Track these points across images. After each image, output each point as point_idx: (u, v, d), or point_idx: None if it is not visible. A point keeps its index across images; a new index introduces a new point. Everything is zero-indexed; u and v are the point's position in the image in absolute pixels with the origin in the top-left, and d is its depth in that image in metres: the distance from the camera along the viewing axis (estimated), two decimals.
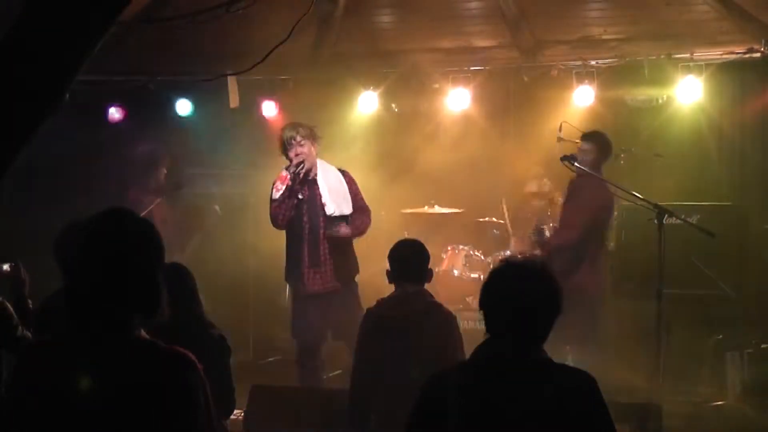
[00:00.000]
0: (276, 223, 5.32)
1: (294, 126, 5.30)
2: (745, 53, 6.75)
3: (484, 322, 2.44)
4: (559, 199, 6.60)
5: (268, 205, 5.42)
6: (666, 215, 5.19)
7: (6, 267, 3.66)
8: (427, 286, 3.99)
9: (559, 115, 6.73)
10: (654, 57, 6.94)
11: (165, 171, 7.29)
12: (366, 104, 7.69)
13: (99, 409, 1.95)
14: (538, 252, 5.75)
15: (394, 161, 7.56)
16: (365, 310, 4.09)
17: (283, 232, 5.48)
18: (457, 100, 7.46)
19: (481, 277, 6.89)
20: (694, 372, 5.95)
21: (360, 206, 5.41)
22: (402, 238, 4.35)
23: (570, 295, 5.59)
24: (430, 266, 4.00)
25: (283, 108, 7.86)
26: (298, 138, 5.23)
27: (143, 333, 2.06)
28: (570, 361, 5.53)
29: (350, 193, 5.36)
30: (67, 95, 2.33)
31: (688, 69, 6.85)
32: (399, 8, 7.53)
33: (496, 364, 2.38)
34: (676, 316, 5.75)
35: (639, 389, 5.35)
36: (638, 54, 7.01)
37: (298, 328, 5.34)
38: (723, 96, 7.03)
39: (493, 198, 7.48)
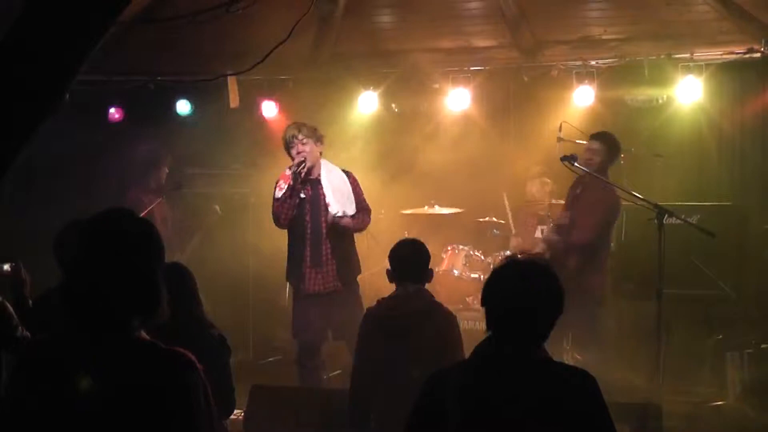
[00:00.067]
0: (278, 221, 5.32)
1: (297, 125, 5.30)
2: (745, 53, 6.75)
3: (485, 320, 2.45)
4: (559, 200, 6.60)
5: (268, 205, 5.42)
6: (666, 215, 5.19)
7: (6, 267, 3.66)
8: (427, 286, 3.99)
9: (559, 115, 6.72)
10: (654, 57, 6.95)
11: (166, 170, 7.28)
12: (366, 104, 7.69)
13: (99, 409, 1.94)
14: (548, 251, 5.73)
15: (394, 161, 7.56)
16: (366, 310, 4.09)
17: (284, 232, 5.48)
18: (457, 100, 7.46)
19: (481, 277, 6.89)
20: (694, 372, 5.95)
21: (363, 207, 5.42)
22: (402, 238, 4.34)
23: (577, 296, 5.62)
24: (430, 266, 4.00)
25: (283, 108, 7.86)
26: (300, 137, 5.23)
27: (143, 334, 2.06)
28: (569, 361, 5.56)
29: (354, 194, 5.36)
30: (67, 95, 2.34)
31: (688, 69, 6.85)
32: (399, 8, 7.53)
33: (497, 363, 2.38)
34: (676, 316, 5.76)
35: (639, 389, 5.35)
36: (638, 54, 7.01)
37: (299, 328, 5.34)
38: (723, 96, 7.04)
39: (493, 198, 7.47)
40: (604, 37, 7.22)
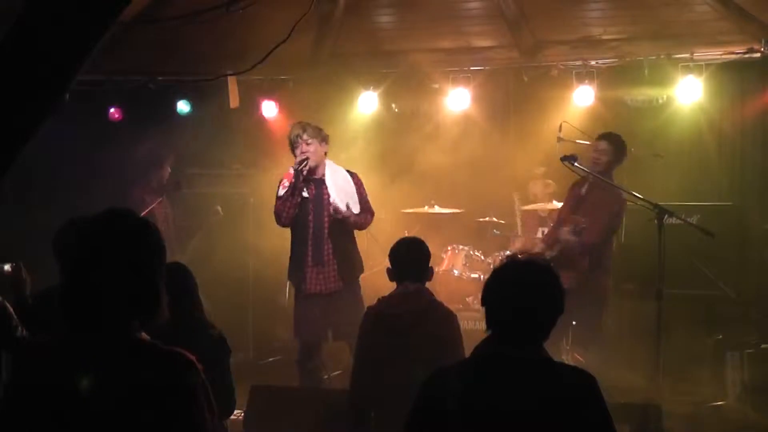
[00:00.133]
0: (279, 220, 5.32)
1: (302, 125, 5.29)
2: (745, 53, 6.76)
3: (485, 320, 2.45)
4: (559, 201, 6.60)
5: (268, 205, 5.42)
6: (666, 215, 5.19)
7: (7, 267, 3.65)
8: (427, 285, 3.99)
9: (559, 115, 6.72)
10: (654, 57, 6.95)
11: (169, 170, 7.29)
12: (366, 104, 7.69)
13: (99, 410, 1.94)
14: (558, 252, 5.73)
15: (394, 161, 7.56)
16: (366, 309, 4.10)
17: (284, 232, 5.48)
18: (457, 100, 7.47)
19: (481, 277, 6.89)
20: (694, 372, 5.94)
21: (366, 208, 5.41)
22: (402, 236, 4.34)
23: (586, 296, 5.63)
24: (430, 265, 4.00)
25: (283, 108, 7.86)
26: (305, 137, 5.22)
27: (144, 334, 2.06)
28: (569, 361, 5.56)
29: (358, 194, 5.36)
30: (67, 95, 2.34)
31: (688, 69, 6.86)
32: (399, 8, 7.53)
33: (497, 362, 2.38)
34: (676, 316, 5.76)
35: (639, 389, 5.35)
36: (638, 54, 7.01)
37: (300, 328, 5.33)
38: (723, 96, 7.04)
39: (493, 198, 7.47)
40: (604, 37, 7.23)
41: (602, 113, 7.19)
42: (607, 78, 7.15)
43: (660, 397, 4.89)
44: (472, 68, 7.50)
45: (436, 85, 7.64)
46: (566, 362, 5.04)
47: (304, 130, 5.24)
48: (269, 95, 7.82)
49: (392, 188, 7.04)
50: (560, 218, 6.12)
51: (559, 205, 6.57)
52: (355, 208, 5.31)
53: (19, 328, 3.43)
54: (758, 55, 6.70)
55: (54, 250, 3.54)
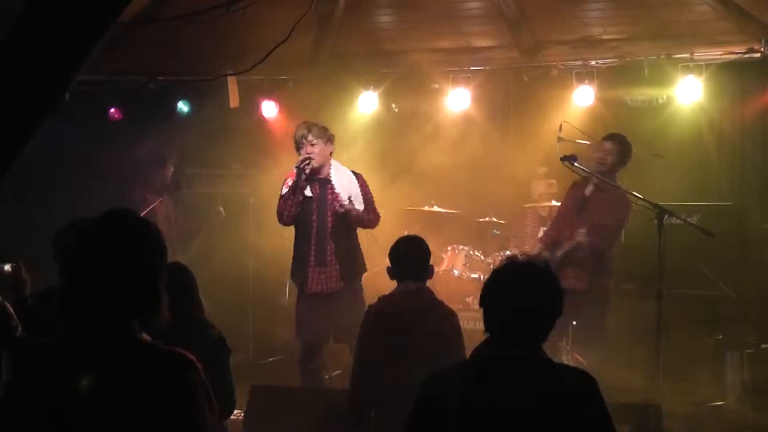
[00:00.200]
0: (281, 218, 5.31)
1: (307, 125, 5.28)
2: (745, 53, 6.76)
3: (483, 321, 2.45)
4: (558, 201, 6.60)
5: (268, 205, 5.42)
6: (666, 215, 5.19)
7: (7, 267, 3.65)
8: (427, 285, 3.99)
9: (559, 115, 6.72)
10: (654, 57, 6.95)
11: (172, 169, 7.28)
12: (366, 104, 7.69)
13: (99, 410, 1.94)
14: (562, 252, 5.74)
15: (394, 161, 7.56)
16: (367, 307, 4.10)
17: (284, 231, 5.47)
18: (457, 100, 7.47)
19: (481, 277, 6.90)
20: (694, 372, 5.94)
21: (371, 209, 5.40)
22: (402, 235, 4.34)
23: (587, 297, 5.63)
24: (430, 264, 4.00)
25: (283, 108, 7.87)
26: (310, 137, 5.21)
27: (144, 335, 2.06)
28: (569, 361, 5.56)
29: (362, 195, 5.35)
30: (67, 95, 2.34)
31: (688, 69, 6.86)
32: (399, 8, 7.53)
33: (496, 363, 2.38)
34: (676, 316, 5.76)
35: (639, 389, 5.35)
36: (638, 54, 7.01)
37: (301, 328, 5.32)
38: (723, 96, 7.04)
39: (493, 198, 7.48)
40: (604, 37, 7.23)
41: (602, 113, 7.19)
42: (607, 78, 7.15)
43: (660, 397, 4.89)
44: (472, 68, 7.51)
45: (436, 85, 7.64)
46: (566, 363, 5.05)
47: (309, 131, 5.23)
48: (269, 95, 7.82)
49: (392, 188, 7.05)
50: (559, 218, 6.12)
51: (556, 205, 6.58)
52: (359, 208, 5.31)
53: (19, 328, 3.43)
54: (758, 55, 6.70)
55: (54, 251, 3.55)
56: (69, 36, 2.23)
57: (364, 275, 5.47)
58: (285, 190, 5.25)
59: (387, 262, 4.00)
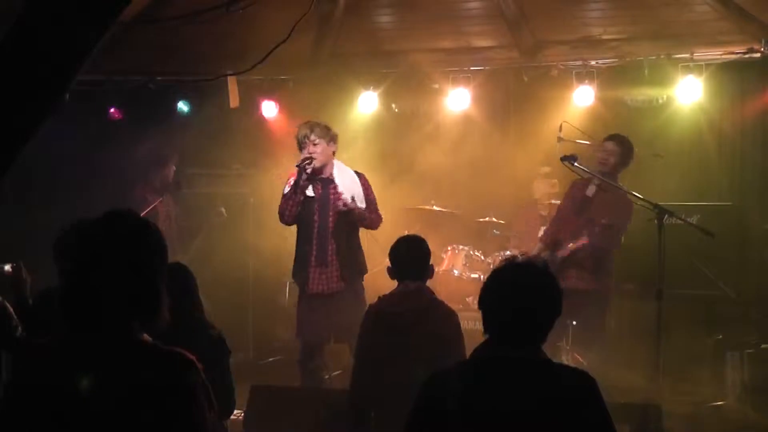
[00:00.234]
0: (282, 218, 5.30)
1: (310, 125, 5.27)
2: (745, 53, 6.75)
3: (482, 323, 2.45)
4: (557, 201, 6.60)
5: (268, 205, 5.42)
6: (666, 215, 5.19)
7: (7, 267, 3.65)
8: (428, 284, 3.99)
9: (559, 115, 6.72)
10: (654, 57, 6.95)
11: (174, 168, 7.27)
12: (366, 104, 7.69)
13: (99, 410, 1.94)
14: (567, 252, 5.74)
15: (394, 161, 7.56)
16: (367, 307, 4.10)
17: (284, 231, 5.47)
18: (457, 100, 7.47)
19: (481, 277, 6.89)
20: (694, 372, 5.95)
21: (373, 209, 5.38)
22: (402, 235, 4.33)
23: (589, 297, 5.63)
24: (430, 263, 4.00)
25: (283, 108, 7.87)
26: (312, 136, 5.21)
27: (145, 336, 2.06)
28: (569, 361, 5.56)
29: (365, 195, 5.34)
30: (67, 95, 2.34)
31: (688, 69, 6.86)
32: (399, 8, 7.53)
33: (496, 363, 2.38)
34: (676, 316, 5.76)
35: (639, 389, 5.35)
36: (638, 54, 7.01)
37: (302, 328, 5.31)
38: (723, 96, 7.04)
39: (493, 198, 7.48)
40: (604, 37, 7.22)
41: (602, 113, 7.19)
42: (607, 78, 7.15)
43: (660, 397, 4.89)
44: (472, 68, 7.50)
45: (436, 85, 7.64)
46: (566, 363, 5.05)
47: (312, 131, 5.22)
48: (269, 95, 7.82)
49: (392, 188, 7.05)
50: (559, 217, 6.11)
51: (555, 204, 6.57)
52: (361, 207, 5.30)
53: (19, 328, 3.43)
54: (758, 55, 6.70)
55: (55, 252, 3.54)
56: (69, 36, 2.23)
57: (365, 275, 5.47)
58: (287, 189, 5.25)
59: (387, 262, 4.00)
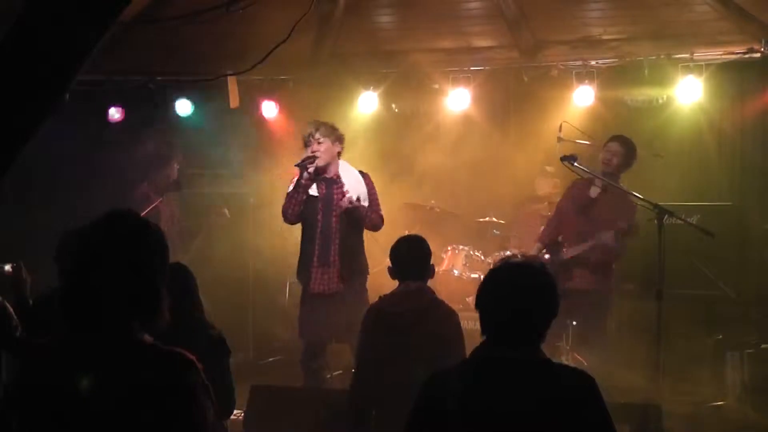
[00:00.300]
0: (285, 217, 5.29)
1: (315, 124, 5.27)
2: (745, 53, 6.76)
3: (480, 324, 2.44)
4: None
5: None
6: (666, 215, 5.19)
7: (7, 267, 3.66)
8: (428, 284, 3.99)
9: (559, 115, 6.72)
10: (654, 57, 6.95)
11: (176, 167, 7.24)
12: (366, 104, 7.69)
13: (99, 410, 1.94)
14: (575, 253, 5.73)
15: (394, 161, 7.56)
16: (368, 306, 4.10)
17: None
18: (457, 100, 7.47)
19: (481, 277, 6.87)
20: (694, 372, 5.94)
21: (376, 210, 5.36)
22: (403, 234, 4.33)
23: (593, 298, 5.62)
24: (431, 263, 4.00)
25: (283, 108, 7.87)
26: (317, 135, 5.20)
27: (145, 336, 2.06)
28: (569, 361, 5.56)
29: (369, 195, 5.33)
30: (67, 95, 2.34)
31: (688, 69, 6.86)
32: (399, 8, 7.53)
33: (496, 364, 2.37)
34: (676, 316, 5.75)
35: (639, 389, 5.35)
36: (638, 54, 7.01)
37: (305, 328, 5.31)
38: (723, 96, 7.03)
39: (493, 198, 7.48)
40: (604, 37, 7.23)
41: (602, 113, 7.19)
42: (607, 78, 7.15)
43: (660, 397, 4.89)
44: (472, 68, 7.51)
45: (436, 85, 7.64)
46: (566, 363, 5.05)
47: (317, 129, 5.22)
48: (269, 95, 7.82)
49: (392, 188, 7.04)
50: (558, 217, 6.09)
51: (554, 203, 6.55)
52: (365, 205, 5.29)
53: (19, 328, 3.43)
54: (758, 55, 6.70)
55: (56, 253, 3.55)
56: (69, 36, 2.23)
57: (367, 276, 5.45)
58: (291, 188, 5.25)
59: (388, 262, 4.00)
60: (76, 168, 7.40)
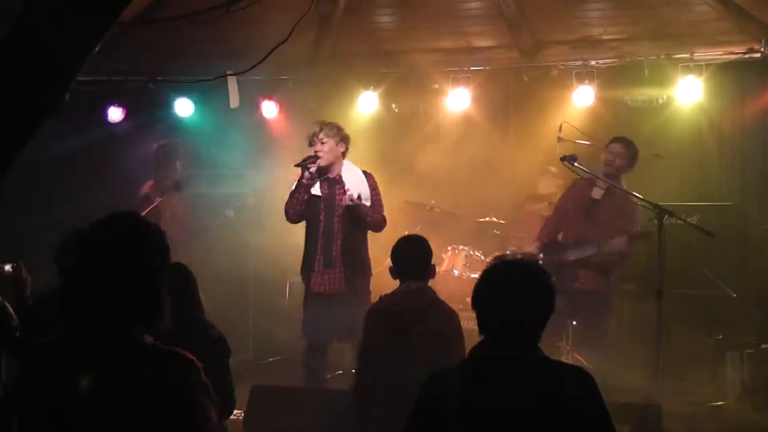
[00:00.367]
0: (287, 216, 5.30)
1: (320, 124, 5.27)
2: (745, 53, 6.75)
3: (477, 323, 2.44)
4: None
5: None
6: (666, 215, 5.19)
7: (7, 267, 3.65)
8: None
9: (559, 115, 6.72)
10: (654, 57, 6.95)
11: (179, 166, 7.21)
12: (366, 104, 7.69)
13: (99, 410, 1.94)
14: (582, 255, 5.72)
15: (394, 161, 7.55)
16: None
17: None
18: (457, 100, 7.46)
19: None
20: (694, 372, 5.94)
21: (377, 209, 5.36)
22: (404, 234, 4.33)
23: (597, 298, 5.60)
24: (432, 263, 4.00)
25: (283, 108, 7.86)
26: (321, 135, 5.21)
27: (146, 337, 2.06)
28: (568, 361, 5.56)
29: (372, 195, 5.32)
30: (67, 95, 2.34)
31: (688, 69, 6.86)
32: (399, 8, 7.53)
33: (495, 363, 2.37)
34: (676, 316, 5.76)
35: (639, 389, 5.35)
36: (638, 54, 7.01)
37: (307, 327, 5.30)
38: (723, 96, 7.03)
39: (493, 198, 7.48)
40: (604, 37, 7.23)
41: (602, 113, 7.19)
42: (607, 78, 7.15)
43: (660, 397, 4.89)
44: (472, 68, 7.50)
45: (436, 85, 7.63)
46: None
47: (321, 129, 5.22)
48: (269, 95, 7.82)
49: (392, 188, 7.04)
50: (557, 217, 6.08)
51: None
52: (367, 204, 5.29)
53: (19, 328, 3.43)
54: (758, 55, 6.70)
55: (56, 253, 3.54)
56: (69, 36, 2.23)
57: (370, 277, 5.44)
58: (293, 187, 5.25)
59: (389, 262, 4.00)
60: (76, 168, 7.40)
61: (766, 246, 6.50)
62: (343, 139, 5.30)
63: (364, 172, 5.39)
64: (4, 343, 3.39)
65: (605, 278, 5.70)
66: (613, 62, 7.15)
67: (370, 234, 5.50)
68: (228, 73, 6.49)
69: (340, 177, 5.28)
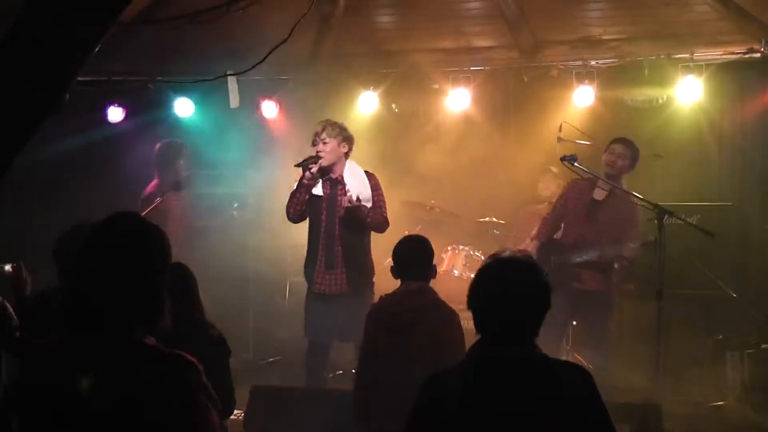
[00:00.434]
0: (288, 215, 5.29)
1: (323, 124, 5.26)
2: (745, 53, 6.75)
3: (473, 323, 2.44)
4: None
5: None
6: (666, 215, 5.19)
7: (7, 267, 3.65)
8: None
9: (559, 115, 6.72)
10: (654, 57, 6.95)
11: (182, 164, 7.19)
12: (366, 104, 7.69)
13: (99, 410, 1.94)
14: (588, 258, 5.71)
15: (394, 162, 7.55)
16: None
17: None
18: (457, 100, 7.46)
19: None
20: (694, 372, 5.94)
21: (378, 210, 5.33)
22: (405, 234, 4.33)
23: (598, 298, 5.58)
24: (433, 263, 4.00)
25: (283, 108, 7.86)
26: (323, 135, 5.19)
27: (149, 338, 2.06)
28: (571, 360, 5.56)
29: (373, 196, 5.31)
30: (67, 95, 2.34)
31: (688, 69, 6.85)
32: (399, 8, 7.52)
33: (495, 363, 2.38)
34: (676, 316, 5.76)
35: (639, 389, 5.35)
36: (638, 54, 7.01)
37: (309, 328, 5.30)
38: (723, 96, 7.03)
39: (493, 198, 7.48)
40: (604, 37, 7.22)
41: (602, 113, 7.19)
42: (607, 78, 7.15)
43: (660, 397, 4.89)
44: (472, 68, 7.50)
45: (436, 86, 7.63)
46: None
47: (324, 129, 5.21)
48: (269, 95, 7.82)
49: (392, 188, 7.03)
50: (556, 217, 6.06)
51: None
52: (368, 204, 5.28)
53: (19, 328, 3.43)
54: (758, 55, 6.69)
55: (55, 253, 3.54)
56: (69, 36, 2.23)
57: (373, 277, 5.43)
58: (295, 186, 5.25)
59: (390, 262, 4.00)
60: (76, 168, 7.40)
61: (766, 246, 6.50)
62: (346, 139, 5.29)
63: (366, 173, 5.38)
64: (4, 343, 3.38)
65: (603, 277, 5.70)
66: (613, 62, 7.15)
67: (372, 234, 5.49)
68: (228, 73, 6.49)
69: (342, 177, 5.28)
